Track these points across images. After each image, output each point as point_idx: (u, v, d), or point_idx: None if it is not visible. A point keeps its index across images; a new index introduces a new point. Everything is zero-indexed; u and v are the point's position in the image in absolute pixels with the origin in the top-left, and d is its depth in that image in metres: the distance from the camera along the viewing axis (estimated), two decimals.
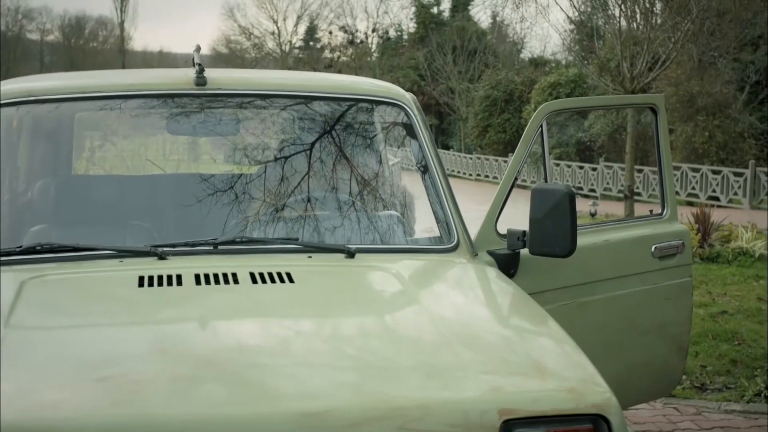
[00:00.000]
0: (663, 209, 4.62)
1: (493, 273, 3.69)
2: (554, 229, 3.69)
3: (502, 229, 4.05)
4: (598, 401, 2.51)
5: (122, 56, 64.40)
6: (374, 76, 44.67)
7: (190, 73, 3.90)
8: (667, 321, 4.59)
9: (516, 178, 4.15)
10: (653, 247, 4.47)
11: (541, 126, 4.17)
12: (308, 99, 4.07)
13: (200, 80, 3.84)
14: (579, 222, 3.83)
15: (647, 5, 18.16)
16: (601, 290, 4.36)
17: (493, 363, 2.68)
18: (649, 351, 4.57)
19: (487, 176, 36.78)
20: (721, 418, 6.28)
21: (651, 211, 4.72)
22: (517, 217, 4.12)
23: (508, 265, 3.93)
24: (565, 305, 4.18)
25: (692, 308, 4.75)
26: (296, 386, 2.46)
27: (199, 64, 3.89)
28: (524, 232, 3.84)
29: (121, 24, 68.03)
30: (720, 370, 7.31)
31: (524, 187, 13.04)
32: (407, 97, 4.14)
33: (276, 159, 4.07)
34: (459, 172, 40.31)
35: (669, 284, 4.58)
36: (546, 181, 4.19)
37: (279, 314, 3.00)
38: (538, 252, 3.77)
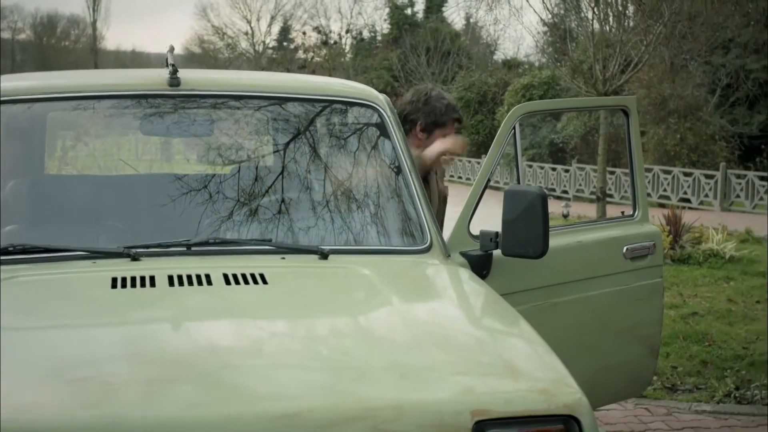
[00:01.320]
0: (634, 210, 4.65)
1: (465, 274, 3.70)
2: (526, 230, 3.70)
3: (475, 230, 4.07)
4: (570, 402, 2.53)
5: (95, 55, 64.01)
6: (348, 77, 44.63)
7: (164, 73, 3.89)
8: (638, 322, 4.62)
9: (489, 180, 4.16)
10: (625, 248, 4.50)
11: (514, 128, 4.19)
12: (282, 100, 4.08)
13: (173, 81, 3.84)
14: (552, 223, 3.85)
15: (620, 8, 18.26)
16: (574, 291, 4.38)
17: (466, 364, 2.69)
18: (621, 351, 4.59)
19: (460, 177, 36.85)
20: (692, 418, 6.33)
21: (623, 213, 4.75)
22: (491, 218, 4.14)
23: (480, 266, 3.94)
24: (538, 306, 4.20)
25: (663, 309, 4.78)
26: (270, 387, 2.46)
27: (173, 65, 3.88)
28: (497, 233, 3.85)
29: (94, 23, 67.61)
30: (690, 371, 7.37)
31: (497, 189, 13.13)
32: (380, 99, 4.15)
33: (249, 160, 4.07)
34: None
35: (640, 285, 4.60)
36: (519, 182, 4.21)
37: (252, 315, 3.00)
38: (510, 253, 3.79)
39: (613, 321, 4.54)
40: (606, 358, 4.52)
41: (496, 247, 3.87)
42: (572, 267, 4.35)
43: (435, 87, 5.14)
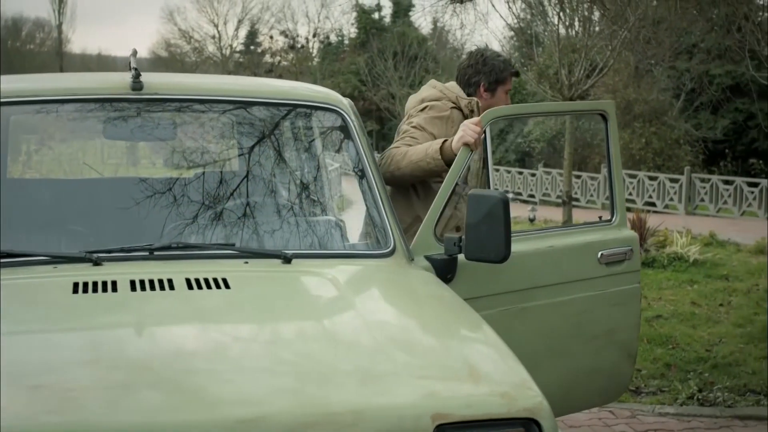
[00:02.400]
0: (612, 215, 4.63)
1: (428, 278, 3.71)
2: (489, 234, 3.70)
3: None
4: (530, 405, 2.55)
5: (60, 59, 63.50)
6: (315, 81, 44.59)
7: (127, 77, 3.87)
8: (615, 327, 4.60)
9: (457, 184, 4.16)
10: (600, 254, 4.48)
11: (485, 132, 4.19)
12: (245, 104, 4.07)
13: (136, 85, 3.82)
14: (522, 228, 3.86)
15: (585, 13, 18.38)
16: (545, 296, 4.36)
17: (427, 368, 2.70)
18: (596, 357, 4.58)
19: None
20: (655, 420, 6.38)
21: (600, 218, 4.75)
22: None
23: (445, 270, 3.94)
24: (506, 310, 4.19)
25: (640, 314, 4.77)
26: (232, 392, 2.46)
27: (135, 69, 3.86)
28: (461, 237, 3.86)
29: (59, 26, 67.03)
30: (654, 374, 7.42)
31: None
32: (345, 103, 4.16)
33: (213, 164, 4.07)
34: None
35: (617, 290, 4.58)
36: (489, 186, 4.21)
37: (215, 320, 2.99)
38: (473, 257, 3.79)
39: (587, 326, 4.52)
40: (580, 364, 4.50)
41: (460, 251, 3.87)
42: (543, 271, 4.33)
43: (488, 48, 5.15)
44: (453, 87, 4.86)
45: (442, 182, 4.13)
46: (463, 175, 4.34)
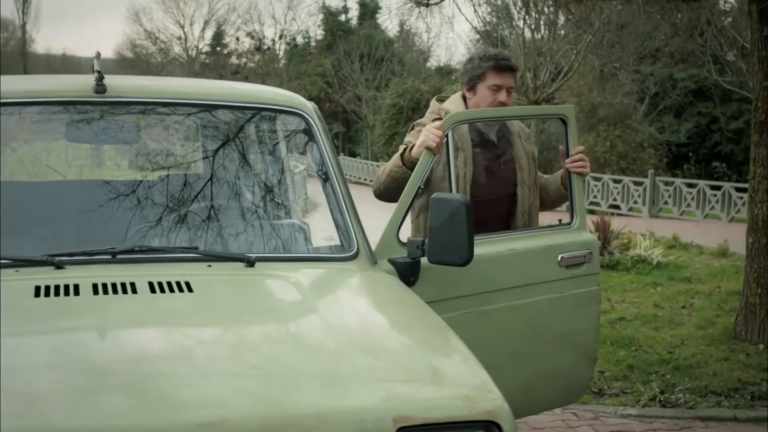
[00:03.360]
0: (572, 218, 4.67)
1: (391, 281, 3.73)
2: (451, 238, 3.72)
3: (404, 237, 4.08)
4: (491, 408, 2.57)
5: (24, 59, 62.98)
6: (281, 83, 44.58)
7: (90, 80, 3.86)
8: (574, 329, 4.62)
9: (420, 187, 4.17)
10: (560, 257, 4.50)
11: (447, 136, 4.21)
12: (209, 107, 4.07)
13: (100, 88, 3.81)
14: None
15: (551, 17, 18.50)
16: (505, 298, 4.37)
17: (389, 371, 2.72)
18: (557, 359, 4.59)
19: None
20: (618, 422, 6.42)
21: (560, 221, 4.78)
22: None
23: (408, 273, 3.95)
24: (468, 313, 4.20)
25: (600, 316, 4.82)
26: (194, 395, 2.46)
27: (99, 72, 3.85)
28: (424, 240, 3.88)
29: (23, 26, 66.48)
30: (617, 376, 7.47)
31: None
32: (308, 106, 4.16)
33: (177, 167, 4.06)
34: (366, 179, 40.43)
35: (576, 293, 4.60)
36: (452, 190, 4.22)
37: (177, 323, 2.99)
38: (436, 261, 3.81)
39: (547, 329, 4.54)
40: (540, 366, 4.52)
41: (423, 255, 3.89)
42: (504, 274, 4.35)
43: (489, 48, 5.13)
44: (452, 100, 4.87)
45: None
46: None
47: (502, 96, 4.66)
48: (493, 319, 4.30)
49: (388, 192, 4.55)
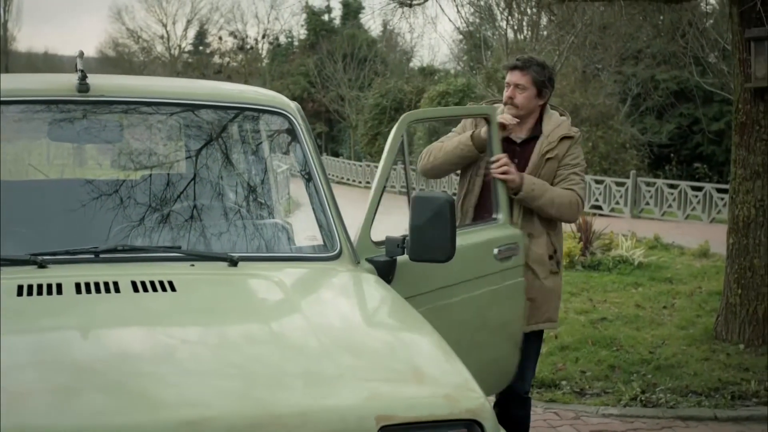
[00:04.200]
0: (496, 213, 4.79)
1: (374, 281, 3.74)
2: (435, 235, 3.77)
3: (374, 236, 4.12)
4: (473, 407, 2.59)
5: (5, 58, 62.61)
6: (264, 83, 44.53)
7: (73, 79, 3.85)
8: (508, 320, 4.76)
9: (385, 186, 4.22)
10: (496, 250, 4.62)
11: (403, 135, 4.26)
12: (192, 107, 4.07)
13: (83, 87, 3.80)
14: None
15: (533, 18, 18.55)
16: (459, 293, 4.48)
17: (372, 370, 2.74)
18: (496, 348, 4.72)
19: (360, 182, 37.04)
20: (599, 421, 6.45)
21: (492, 216, 4.87)
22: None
23: (386, 272, 3.97)
24: (430, 308, 4.25)
25: (525, 306, 4.93)
26: (177, 394, 2.47)
27: (82, 71, 3.84)
28: (404, 238, 3.90)
29: (4, 24, 66.00)
30: (599, 376, 7.50)
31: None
32: (291, 106, 4.17)
33: (160, 166, 4.06)
34: (349, 179, 40.47)
35: (509, 284, 4.74)
36: (408, 189, 4.26)
37: (160, 323, 3.00)
38: (418, 258, 3.85)
39: (490, 319, 4.68)
40: (484, 355, 4.63)
41: (403, 253, 3.92)
42: (457, 270, 4.42)
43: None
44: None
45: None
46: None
47: (509, 91, 4.92)
48: (449, 313, 4.38)
49: (440, 168, 5.04)
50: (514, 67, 4.93)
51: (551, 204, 4.84)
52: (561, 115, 5.10)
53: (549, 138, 4.90)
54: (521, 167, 4.85)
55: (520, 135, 4.96)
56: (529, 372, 5.05)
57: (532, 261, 4.83)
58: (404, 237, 3.90)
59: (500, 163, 4.72)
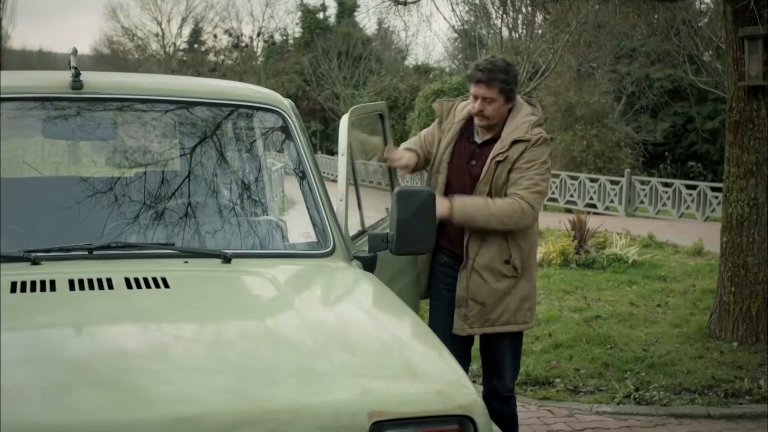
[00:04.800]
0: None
1: (367, 277, 3.75)
2: (419, 228, 3.84)
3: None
4: (465, 403, 2.60)
5: None
6: (259, 81, 44.46)
7: (67, 76, 3.86)
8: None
9: (356, 183, 4.28)
10: None
11: (347, 130, 4.29)
12: (186, 104, 4.07)
13: (76, 84, 3.81)
14: None
15: (528, 17, 18.57)
16: (402, 281, 4.73)
17: (365, 366, 2.75)
18: None
19: (371, 181, 36.93)
20: (592, 419, 6.46)
21: (387, 209, 4.94)
22: None
23: (370, 267, 4.00)
24: None
25: None
26: (171, 391, 2.48)
27: (75, 68, 3.85)
28: (387, 234, 3.93)
29: None
30: (592, 373, 7.51)
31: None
32: (285, 104, 4.18)
33: (154, 163, 4.06)
34: None
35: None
36: (355, 182, 4.34)
37: (154, 320, 3.00)
38: (403, 251, 3.92)
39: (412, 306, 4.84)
40: None
41: (386, 248, 3.95)
42: (396, 261, 4.57)
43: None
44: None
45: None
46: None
47: (478, 104, 4.74)
48: None
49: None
50: (478, 81, 4.73)
51: (490, 220, 4.66)
52: (531, 106, 4.94)
53: (503, 141, 4.76)
54: (477, 169, 4.78)
55: (484, 137, 4.85)
56: (508, 372, 4.99)
57: (479, 266, 4.75)
58: (388, 232, 3.93)
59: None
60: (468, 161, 4.83)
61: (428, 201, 3.87)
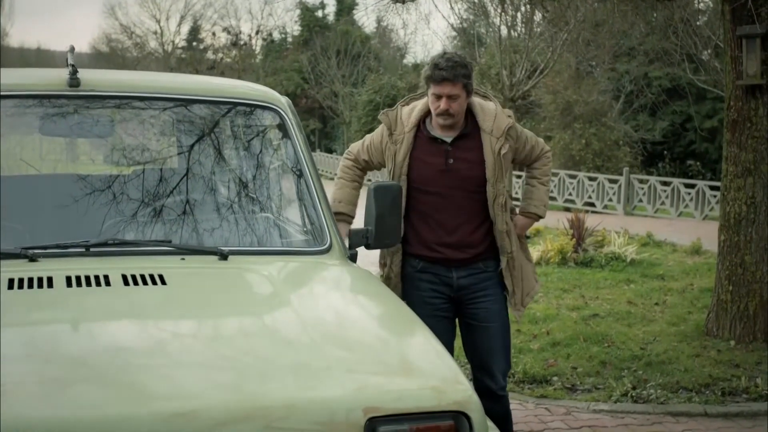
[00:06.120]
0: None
1: (363, 274, 3.77)
2: (391, 222, 3.95)
3: None
4: (460, 399, 2.61)
5: None
6: (257, 79, 44.48)
7: (64, 74, 3.87)
8: None
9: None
10: None
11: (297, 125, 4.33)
12: (183, 102, 4.08)
13: (73, 81, 3.82)
14: None
15: (527, 15, 18.56)
16: None
17: (360, 362, 2.76)
18: None
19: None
20: (590, 417, 6.47)
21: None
22: None
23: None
24: None
25: None
26: (166, 387, 2.49)
27: (73, 65, 3.85)
28: (367, 229, 3.96)
29: None
30: (590, 372, 7.52)
31: None
32: (282, 101, 4.18)
33: (150, 161, 4.07)
34: None
35: None
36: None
37: (151, 316, 3.01)
38: (378, 246, 3.99)
39: None
40: None
41: (366, 243, 3.99)
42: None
43: (448, 50, 5.11)
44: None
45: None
46: None
47: (444, 103, 4.63)
48: None
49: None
50: (443, 79, 4.62)
51: (548, 189, 5.11)
52: (484, 98, 4.93)
53: (494, 134, 4.72)
54: (461, 165, 4.71)
55: (449, 135, 4.74)
56: (497, 369, 4.92)
57: (516, 253, 4.90)
58: (368, 228, 3.97)
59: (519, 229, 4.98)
60: (445, 162, 4.72)
61: (399, 195, 4.00)
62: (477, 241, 4.78)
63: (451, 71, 4.61)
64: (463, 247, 4.77)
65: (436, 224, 4.75)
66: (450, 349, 4.89)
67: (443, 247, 4.76)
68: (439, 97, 4.65)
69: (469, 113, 4.79)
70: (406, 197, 4.70)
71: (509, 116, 4.85)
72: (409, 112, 4.86)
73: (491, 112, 4.79)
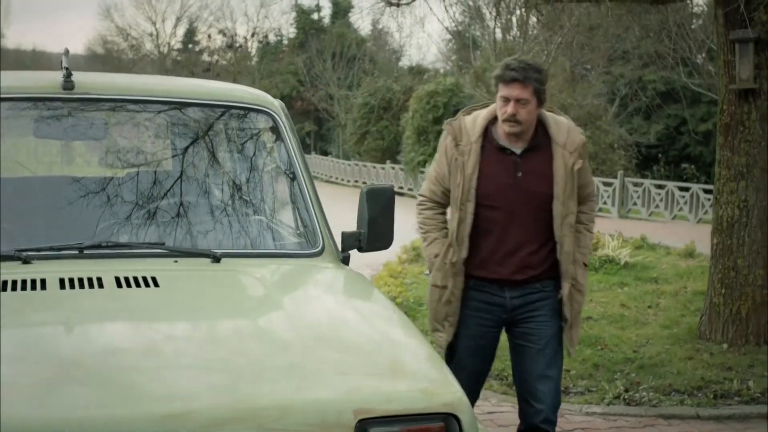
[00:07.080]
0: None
1: (355, 277, 3.79)
2: (384, 225, 3.97)
3: None
4: (450, 401, 2.64)
5: None
6: (253, 81, 44.51)
7: (58, 76, 3.88)
8: None
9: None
10: None
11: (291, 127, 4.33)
12: (176, 105, 4.10)
13: (68, 84, 3.83)
14: None
15: (522, 18, 18.58)
16: None
17: (351, 364, 2.77)
18: None
19: (365, 182, 37.01)
20: (582, 419, 6.49)
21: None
22: None
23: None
24: None
25: None
26: (159, 388, 2.50)
27: (67, 68, 3.87)
28: (360, 232, 3.98)
29: None
30: (583, 374, 7.54)
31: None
32: (276, 105, 4.20)
33: (144, 164, 4.08)
34: (337, 178, 40.50)
35: None
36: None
37: (143, 318, 3.02)
38: (370, 249, 3.99)
39: None
40: None
41: (359, 245, 4.01)
42: None
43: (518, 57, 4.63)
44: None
45: None
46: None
47: (511, 107, 4.32)
48: None
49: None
50: (513, 80, 4.31)
51: (593, 236, 4.74)
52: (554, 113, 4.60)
53: (567, 149, 4.42)
54: (530, 179, 4.42)
55: (518, 146, 4.43)
56: (546, 398, 4.57)
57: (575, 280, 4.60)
58: (360, 231, 3.98)
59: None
60: (514, 174, 4.42)
61: (392, 198, 4.01)
62: (537, 262, 4.48)
63: (522, 72, 4.31)
64: (523, 268, 4.47)
65: (496, 242, 4.46)
66: (485, 370, 4.75)
67: (500, 267, 4.48)
68: (507, 100, 4.35)
69: (540, 126, 4.47)
70: (473, 216, 4.43)
71: (581, 133, 4.55)
72: (472, 121, 4.51)
73: (565, 126, 4.49)
